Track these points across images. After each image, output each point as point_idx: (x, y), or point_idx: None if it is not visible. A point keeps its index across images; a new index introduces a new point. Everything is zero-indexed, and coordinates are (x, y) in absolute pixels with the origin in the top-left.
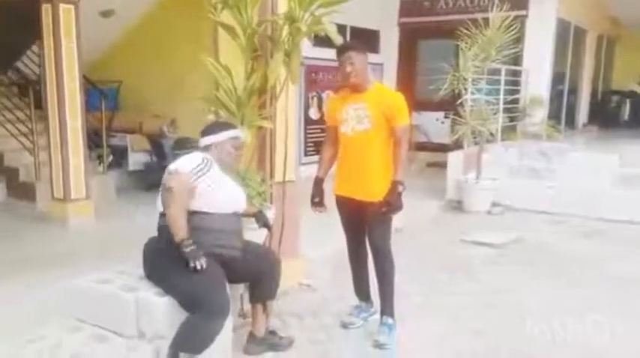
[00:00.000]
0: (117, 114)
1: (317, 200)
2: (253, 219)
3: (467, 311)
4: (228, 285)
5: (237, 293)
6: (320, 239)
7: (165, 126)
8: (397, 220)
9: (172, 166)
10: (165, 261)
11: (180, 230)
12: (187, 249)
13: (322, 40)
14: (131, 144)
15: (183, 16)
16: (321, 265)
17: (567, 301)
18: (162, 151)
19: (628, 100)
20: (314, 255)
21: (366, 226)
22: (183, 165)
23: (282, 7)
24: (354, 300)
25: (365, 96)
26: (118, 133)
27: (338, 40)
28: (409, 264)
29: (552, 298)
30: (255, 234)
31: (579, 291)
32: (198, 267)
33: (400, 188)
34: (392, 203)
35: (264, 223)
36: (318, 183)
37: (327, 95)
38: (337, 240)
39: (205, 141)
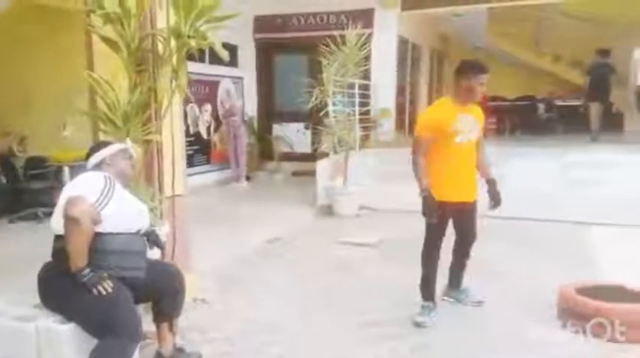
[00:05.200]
0: None
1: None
2: None
3: (354, 305)
4: None
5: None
6: (207, 252)
7: (14, 144)
8: (274, 230)
9: (74, 192)
10: (68, 286)
11: (80, 261)
12: (85, 278)
13: (190, 55)
14: None
15: (38, 25)
16: (212, 278)
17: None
18: (13, 172)
19: None
20: (204, 268)
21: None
22: (87, 191)
23: (161, 21)
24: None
25: (471, 109)
26: None
27: (224, 55)
28: (294, 271)
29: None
30: (151, 252)
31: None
32: (103, 292)
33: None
34: (499, 198)
35: (154, 242)
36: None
37: (428, 109)
38: (223, 252)
39: (96, 157)
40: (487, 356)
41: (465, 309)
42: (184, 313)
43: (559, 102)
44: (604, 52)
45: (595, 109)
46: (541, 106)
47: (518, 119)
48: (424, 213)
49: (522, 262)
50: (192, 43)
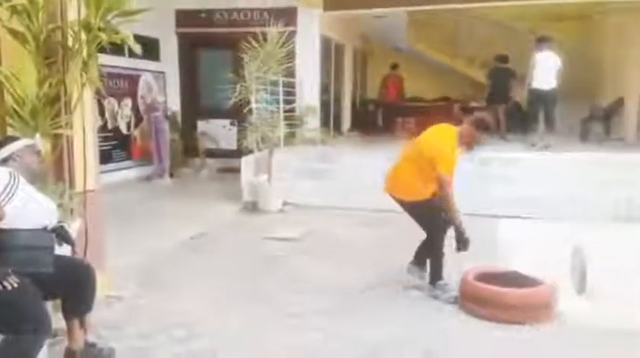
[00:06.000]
0: None
1: None
2: None
3: (279, 298)
4: None
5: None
6: (126, 248)
7: None
8: (197, 226)
9: None
10: None
11: None
12: None
13: (102, 48)
14: None
15: None
16: (127, 275)
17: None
18: None
19: (381, 108)
20: (121, 264)
21: None
22: None
23: (73, 14)
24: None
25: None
26: None
27: (136, 48)
28: (218, 266)
29: (346, 278)
30: (60, 248)
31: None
32: (9, 287)
33: None
34: None
35: (63, 238)
36: None
37: (447, 145)
38: (143, 249)
39: (2, 153)
40: (400, 338)
41: (381, 298)
42: (97, 310)
43: (473, 104)
44: (502, 58)
45: (499, 111)
46: (456, 107)
47: (436, 119)
48: (463, 240)
49: None
50: (103, 36)
